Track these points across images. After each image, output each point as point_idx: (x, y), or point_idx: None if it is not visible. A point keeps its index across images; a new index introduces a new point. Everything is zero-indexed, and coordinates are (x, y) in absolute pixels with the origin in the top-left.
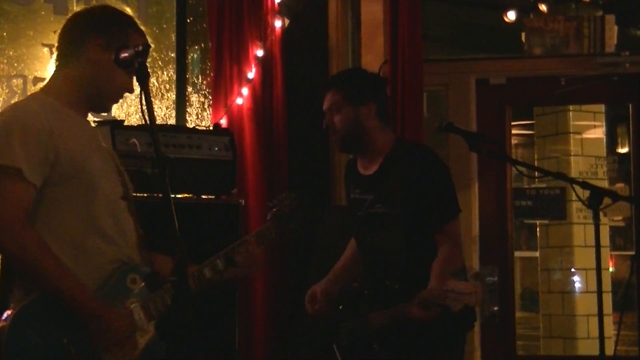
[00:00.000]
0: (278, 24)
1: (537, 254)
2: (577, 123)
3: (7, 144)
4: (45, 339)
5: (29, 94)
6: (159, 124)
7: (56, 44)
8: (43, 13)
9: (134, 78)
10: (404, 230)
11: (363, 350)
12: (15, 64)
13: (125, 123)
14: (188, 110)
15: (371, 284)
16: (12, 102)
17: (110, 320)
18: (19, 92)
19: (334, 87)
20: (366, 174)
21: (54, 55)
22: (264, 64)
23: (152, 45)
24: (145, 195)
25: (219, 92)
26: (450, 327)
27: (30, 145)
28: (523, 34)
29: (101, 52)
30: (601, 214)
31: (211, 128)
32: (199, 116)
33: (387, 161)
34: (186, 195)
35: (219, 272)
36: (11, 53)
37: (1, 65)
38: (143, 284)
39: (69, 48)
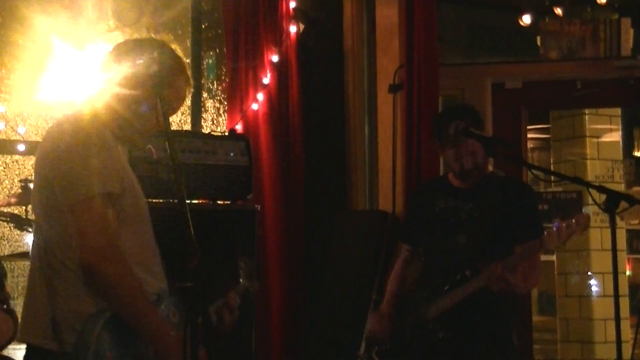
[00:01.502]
0: (293, 29)
1: (554, 257)
2: (593, 126)
3: (89, 167)
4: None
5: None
6: (174, 130)
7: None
8: None
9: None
10: (489, 236)
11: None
12: None
13: None
14: (203, 115)
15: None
16: None
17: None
18: None
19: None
20: (464, 186)
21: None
22: (280, 69)
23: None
24: (161, 201)
25: (235, 97)
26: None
27: (108, 168)
28: (539, 38)
29: None
30: (618, 217)
31: (227, 133)
32: (215, 122)
33: (487, 178)
34: (202, 200)
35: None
36: None
37: None
38: (177, 316)
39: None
